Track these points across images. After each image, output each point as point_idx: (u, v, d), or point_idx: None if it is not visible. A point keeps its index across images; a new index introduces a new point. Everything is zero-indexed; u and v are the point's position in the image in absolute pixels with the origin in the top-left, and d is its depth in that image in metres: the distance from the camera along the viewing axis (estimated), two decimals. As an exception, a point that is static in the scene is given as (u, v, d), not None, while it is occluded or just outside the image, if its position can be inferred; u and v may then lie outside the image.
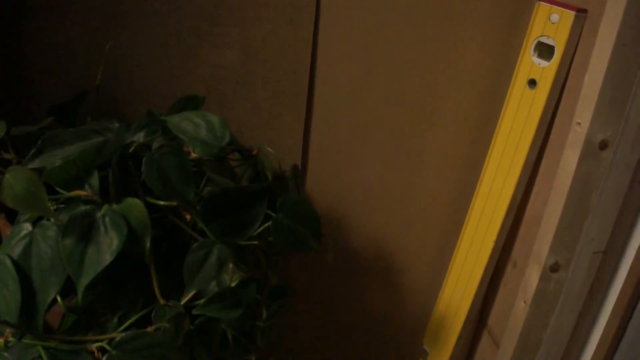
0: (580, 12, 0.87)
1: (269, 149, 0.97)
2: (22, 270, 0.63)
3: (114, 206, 0.66)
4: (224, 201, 0.73)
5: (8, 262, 0.63)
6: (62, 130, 0.68)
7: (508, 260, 1.09)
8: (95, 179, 0.67)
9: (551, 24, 0.91)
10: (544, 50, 0.94)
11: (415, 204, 1.12)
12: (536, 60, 0.94)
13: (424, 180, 1.10)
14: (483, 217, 1.06)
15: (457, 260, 1.13)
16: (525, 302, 1.01)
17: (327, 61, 0.97)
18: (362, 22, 0.95)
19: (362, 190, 1.09)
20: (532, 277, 0.98)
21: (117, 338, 0.62)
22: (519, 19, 0.97)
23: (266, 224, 0.75)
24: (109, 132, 0.71)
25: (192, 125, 0.74)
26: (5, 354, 0.61)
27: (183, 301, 0.69)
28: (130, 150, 0.73)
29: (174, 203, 0.70)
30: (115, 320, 0.69)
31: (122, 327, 0.67)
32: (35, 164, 0.64)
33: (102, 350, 0.62)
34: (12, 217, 0.79)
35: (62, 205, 0.68)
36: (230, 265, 0.71)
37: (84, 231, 0.64)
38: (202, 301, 0.68)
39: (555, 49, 0.91)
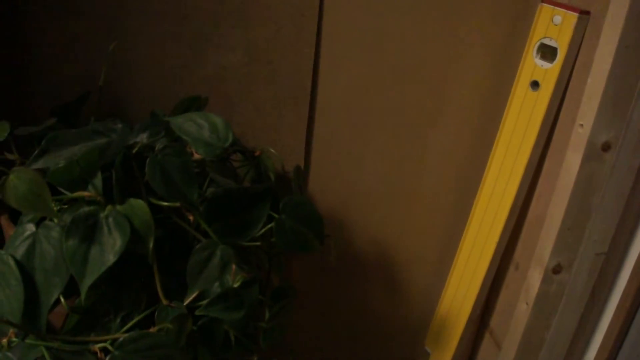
0: (583, 13, 0.87)
1: (272, 150, 0.97)
2: (26, 271, 0.63)
3: (117, 207, 0.66)
4: (226, 202, 0.73)
5: (11, 262, 0.63)
6: (66, 131, 0.68)
7: (510, 262, 1.09)
8: (98, 180, 0.67)
9: (554, 26, 0.91)
10: (547, 52, 0.94)
11: (417, 205, 1.12)
12: (539, 61, 0.94)
13: (426, 181, 1.10)
14: (485, 218, 1.06)
15: (459, 261, 1.13)
16: (527, 303, 1.01)
17: (330, 62, 0.97)
18: (365, 24, 0.95)
19: (364, 191, 1.09)
20: (534, 278, 0.98)
21: (120, 338, 0.62)
22: (521, 20, 0.97)
23: (269, 225, 0.75)
24: (112, 133, 0.71)
25: (195, 126, 0.74)
26: (9, 354, 0.61)
27: (186, 302, 0.69)
28: (134, 151, 0.73)
29: (177, 204, 0.70)
30: (118, 320, 0.69)
31: (125, 328, 0.68)
32: (39, 164, 0.64)
33: (105, 350, 0.62)
34: (15, 217, 0.79)
35: (66, 206, 0.68)
36: (233, 266, 0.71)
37: (87, 232, 0.64)
38: (205, 302, 0.68)
39: (558, 50, 0.91)
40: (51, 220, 0.65)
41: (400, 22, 0.95)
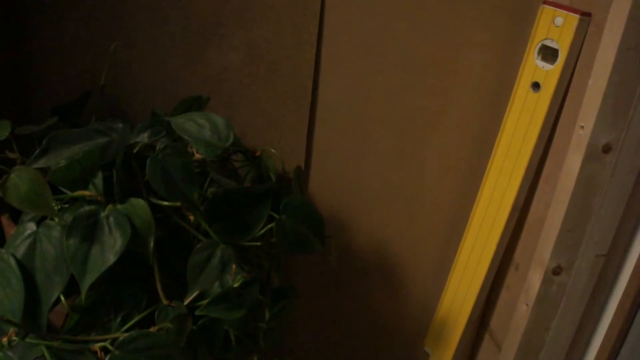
0: (585, 15, 0.87)
1: (273, 150, 0.97)
2: (26, 270, 0.64)
3: (118, 206, 0.66)
4: (227, 202, 0.73)
5: (12, 261, 0.63)
6: (67, 131, 0.68)
7: (510, 263, 1.09)
8: (99, 179, 0.67)
9: (555, 27, 0.91)
10: (548, 54, 0.94)
11: (418, 206, 1.12)
12: (540, 63, 0.94)
13: (427, 182, 1.10)
14: (486, 219, 1.06)
15: (459, 262, 1.13)
16: (527, 304, 1.01)
17: (331, 63, 0.97)
18: (366, 25, 0.95)
19: (365, 192, 1.09)
20: (535, 279, 0.98)
21: (120, 338, 0.62)
22: (523, 22, 0.97)
23: (269, 225, 0.75)
24: (113, 133, 0.71)
25: (196, 126, 0.74)
26: (9, 353, 0.61)
27: (186, 302, 0.69)
28: (135, 151, 0.73)
29: (178, 204, 0.70)
30: (119, 320, 0.69)
31: (125, 327, 0.68)
32: (40, 163, 0.64)
33: (105, 350, 0.62)
34: (16, 216, 0.79)
35: (66, 205, 0.68)
36: (234, 266, 0.71)
37: (88, 231, 0.64)
38: (205, 302, 0.68)
39: (559, 52, 0.91)
40: (52, 219, 0.65)
41: (401, 23, 0.95)
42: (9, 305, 0.62)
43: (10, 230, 0.79)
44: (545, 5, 0.93)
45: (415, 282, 1.20)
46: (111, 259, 0.63)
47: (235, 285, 0.71)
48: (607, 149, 0.88)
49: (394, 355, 1.29)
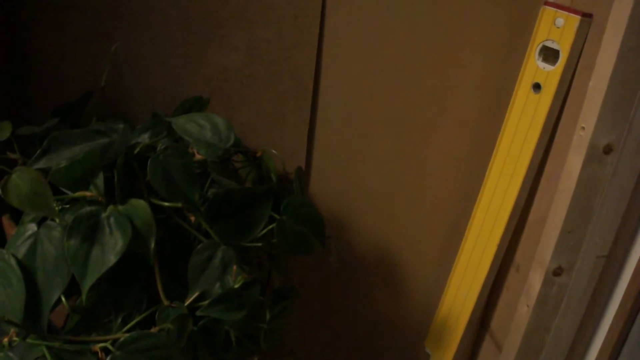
0: (586, 16, 0.87)
1: (273, 151, 0.97)
2: (27, 270, 0.64)
3: (119, 207, 0.66)
4: (228, 203, 0.73)
5: (13, 261, 0.63)
6: (68, 131, 0.68)
7: (511, 264, 1.09)
8: (100, 180, 0.67)
9: (556, 28, 0.91)
10: (549, 55, 0.94)
11: (418, 207, 1.12)
12: (541, 64, 0.94)
13: (427, 183, 1.10)
14: (486, 220, 1.06)
15: (460, 262, 1.13)
16: (528, 305, 1.01)
17: (331, 63, 0.97)
18: (367, 26, 0.95)
19: (365, 192, 1.09)
20: (535, 280, 0.98)
21: (121, 339, 0.62)
22: (524, 22, 0.97)
23: (270, 226, 0.75)
24: (114, 133, 0.71)
25: (197, 127, 0.74)
26: (10, 354, 0.61)
27: (187, 302, 0.69)
28: (136, 152, 0.73)
29: (179, 204, 0.70)
30: (119, 320, 0.69)
31: (126, 328, 0.68)
32: (41, 164, 0.65)
33: (106, 350, 0.62)
34: (17, 217, 0.79)
35: (67, 206, 0.68)
36: (234, 266, 0.71)
37: (89, 232, 0.64)
38: (205, 302, 0.68)
39: (560, 53, 0.91)
40: (53, 220, 0.65)
41: (402, 24, 0.95)
42: (10, 305, 0.62)
43: (11, 230, 0.79)
44: (546, 6, 0.93)
45: (415, 282, 1.20)
46: (112, 259, 0.63)
47: (236, 286, 0.71)
48: (608, 150, 0.88)
49: (395, 355, 1.29)
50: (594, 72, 0.86)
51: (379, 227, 1.13)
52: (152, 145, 0.75)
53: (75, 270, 0.62)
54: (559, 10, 0.90)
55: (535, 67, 0.95)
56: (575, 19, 0.87)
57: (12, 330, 0.60)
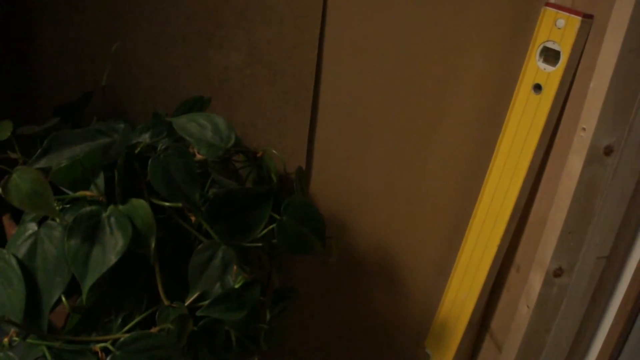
0: (587, 17, 0.87)
1: (274, 151, 0.97)
2: (27, 270, 0.64)
3: (120, 207, 0.66)
4: (228, 203, 0.73)
5: (13, 261, 0.63)
6: (69, 131, 0.68)
7: (511, 265, 1.09)
8: (101, 180, 0.67)
9: (557, 29, 0.91)
10: (550, 56, 0.94)
11: (419, 207, 1.12)
12: (542, 65, 0.94)
13: (428, 183, 1.10)
14: (487, 220, 1.06)
15: (460, 263, 1.13)
16: (528, 306, 1.01)
17: (332, 64, 0.97)
18: (368, 27, 0.95)
19: (366, 192, 1.09)
20: (536, 281, 0.98)
21: (121, 339, 0.62)
22: (524, 23, 0.97)
23: (271, 226, 0.75)
24: (115, 133, 0.71)
25: (197, 127, 0.74)
26: (10, 353, 0.61)
27: (187, 302, 0.69)
28: (136, 151, 0.73)
29: (179, 204, 0.70)
30: (119, 320, 0.69)
31: (126, 328, 0.68)
32: (42, 164, 0.64)
33: (106, 350, 0.62)
34: (17, 216, 0.79)
35: (68, 206, 0.68)
36: (235, 267, 0.71)
37: (89, 231, 0.64)
38: (206, 302, 0.68)
39: (561, 54, 0.91)
40: (53, 219, 0.65)
41: (402, 25, 0.95)
42: (10, 305, 0.62)
43: (11, 230, 0.79)
44: (547, 7, 0.93)
45: (416, 282, 1.20)
46: (112, 259, 0.63)
47: (237, 286, 0.71)
48: (608, 151, 0.88)
49: (395, 355, 1.29)
50: (595, 73, 0.86)
51: (380, 227, 1.13)
52: (153, 145, 0.75)
53: (75, 270, 0.62)
54: (560, 11, 0.90)
55: (536, 68, 0.95)
56: (576, 20, 0.87)
57: (12, 330, 0.60)
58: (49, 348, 0.61)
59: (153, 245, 0.66)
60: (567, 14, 0.89)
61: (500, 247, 1.04)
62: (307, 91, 0.98)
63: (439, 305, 1.20)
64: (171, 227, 0.73)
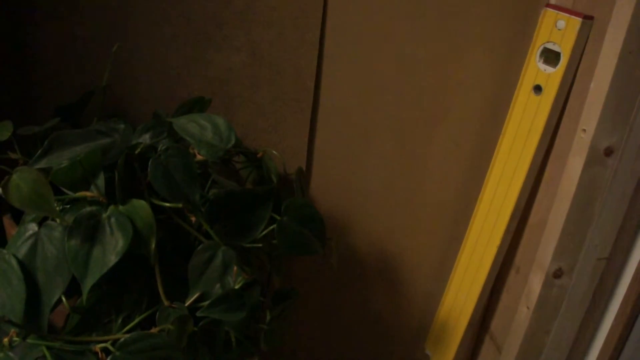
0: (587, 19, 0.87)
1: (274, 152, 0.97)
2: (27, 270, 0.63)
3: (120, 207, 0.66)
4: (229, 203, 0.73)
5: (13, 261, 0.63)
6: (69, 131, 0.68)
7: (511, 266, 1.09)
8: (101, 180, 0.67)
9: (557, 30, 0.91)
10: (550, 57, 0.94)
11: (418, 208, 1.12)
12: (542, 66, 0.94)
13: (428, 184, 1.10)
14: (487, 222, 1.06)
15: (460, 264, 1.13)
16: (528, 307, 1.00)
17: (332, 65, 0.97)
18: (368, 28, 0.95)
19: (366, 194, 1.09)
20: (535, 282, 0.98)
21: (121, 339, 0.62)
22: (525, 24, 0.97)
23: (271, 227, 0.75)
24: (115, 134, 0.71)
25: (198, 128, 0.74)
26: (10, 354, 0.61)
27: (187, 303, 0.69)
28: (137, 152, 0.73)
29: (180, 205, 0.70)
30: (120, 321, 0.69)
31: (126, 328, 0.68)
32: (42, 164, 0.64)
33: (106, 351, 0.62)
34: (17, 216, 0.79)
35: (68, 206, 0.68)
36: (235, 267, 0.71)
37: (90, 232, 0.64)
38: (206, 303, 0.68)
39: (562, 55, 0.91)
40: (53, 220, 0.65)
41: (403, 26, 0.95)
42: (10, 305, 0.62)
43: (11, 230, 0.79)
44: (548, 9, 0.93)
45: (416, 284, 1.20)
46: (113, 260, 0.63)
47: (237, 286, 0.71)
48: (608, 152, 0.88)
49: (395, 356, 1.29)
50: (595, 75, 0.86)
51: (380, 228, 1.13)
52: (153, 145, 0.75)
53: (75, 271, 0.62)
54: (560, 13, 0.90)
55: (536, 69, 0.95)
56: (577, 21, 0.87)
57: (13, 330, 0.60)
58: (49, 348, 0.61)
59: (153, 245, 0.66)
60: (568, 15, 0.89)
61: (500, 248, 1.04)
62: (307, 92, 0.98)
63: (439, 307, 1.20)
64: (171, 227, 0.73)
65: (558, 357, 1.05)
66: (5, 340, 0.59)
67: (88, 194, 0.67)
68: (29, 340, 0.61)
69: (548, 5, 0.94)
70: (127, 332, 0.67)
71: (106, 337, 0.64)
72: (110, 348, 0.61)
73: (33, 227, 0.65)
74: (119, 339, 0.62)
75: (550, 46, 0.93)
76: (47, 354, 0.60)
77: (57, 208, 0.66)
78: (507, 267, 1.10)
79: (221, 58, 0.94)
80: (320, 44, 0.95)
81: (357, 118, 1.02)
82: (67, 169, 0.66)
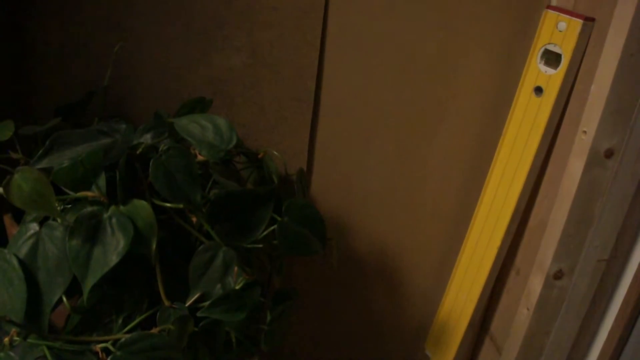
0: (588, 20, 0.87)
1: (275, 152, 0.97)
2: (28, 270, 0.63)
3: (121, 207, 0.66)
4: (230, 204, 0.73)
5: (14, 261, 0.63)
6: (70, 131, 0.68)
7: (511, 267, 1.09)
8: (102, 180, 0.67)
9: (558, 32, 0.91)
10: (551, 58, 0.94)
11: (419, 210, 1.12)
12: (543, 68, 0.94)
13: (428, 185, 1.10)
14: (487, 223, 1.06)
15: (460, 265, 1.13)
16: (528, 309, 1.01)
17: (333, 66, 0.97)
18: (369, 29, 0.95)
19: (366, 194, 1.09)
20: (536, 284, 0.98)
21: (122, 339, 0.62)
22: (526, 26, 0.97)
23: (271, 227, 0.75)
24: (116, 134, 0.71)
25: (199, 128, 0.74)
26: (10, 353, 0.61)
27: (188, 303, 0.69)
28: (138, 152, 0.73)
29: (181, 205, 0.70)
30: (120, 321, 0.69)
31: (126, 328, 0.68)
32: (43, 164, 0.64)
33: (107, 351, 0.62)
34: (18, 216, 0.79)
35: (69, 206, 0.68)
36: (235, 268, 0.71)
37: (91, 232, 0.64)
38: (206, 303, 0.68)
39: (562, 57, 0.91)
40: (54, 220, 0.65)
41: (404, 27, 0.95)
42: (11, 305, 0.62)
43: (12, 230, 0.79)
44: (549, 10, 0.93)
45: (416, 284, 1.20)
46: (113, 260, 0.63)
47: (237, 287, 0.71)
48: (609, 154, 0.88)
49: (395, 357, 1.29)
50: (596, 76, 0.86)
51: (380, 229, 1.13)
52: (155, 145, 0.75)
53: (76, 270, 0.62)
54: (561, 14, 0.90)
55: (537, 71, 0.95)
56: (578, 22, 0.88)
57: (13, 330, 0.60)
58: (50, 348, 0.61)
59: (154, 246, 0.66)
60: (569, 17, 0.89)
61: (500, 249, 1.04)
62: (308, 92, 0.98)
63: (439, 307, 1.20)
64: (172, 228, 0.73)
65: (558, 359, 1.05)
66: (6, 339, 0.59)
67: (89, 193, 0.67)
68: (29, 340, 0.61)
69: (549, 6, 0.94)
70: (128, 332, 0.67)
71: (107, 337, 0.64)
72: (111, 348, 0.61)
73: (34, 227, 0.65)
74: (119, 339, 0.62)
75: (551, 48, 0.93)
76: (48, 354, 0.61)
77: (58, 208, 0.66)
78: (508, 268, 1.10)
79: (222, 58, 0.95)
80: (321, 45, 0.95)
81: (358, 119, 1.02)
82: (68, 168, 0.66)
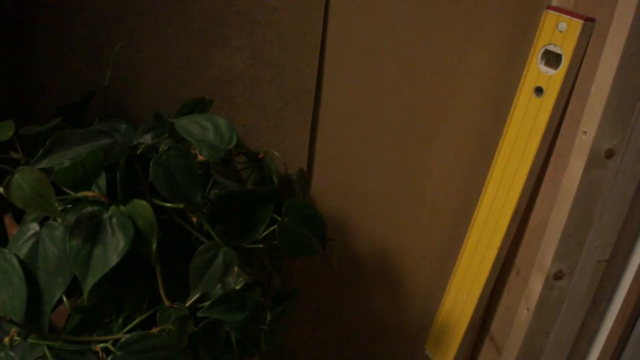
0: (589, 21, 0.87)
1: (275, 153, 0.97)
2: (29, 270, 0.63)
3: (121, 207, 0.66)
4: (230, 204, 0.73)
5: (15, 261, 0.63)
6: (71, 131, 0.68)
7: (511, 267, 1.09)
8: (102, 180, 0.67)
9: (559, 33, 0.91)
10: (551, 59, 0.94)
11: (419, 210, 1.12)
12: (543, 68, 0.94)
13: (428, 186, 1.10)
14: (487, 223, 1.06)
15: (460, 266, 1.13)
16: (528, 309, 1.01)
17: (334, 66, 0.97)
18: (370, 29, 0.95)
19: (367, 195, 1.09)
20: (536, 284, 0.98)
21: (122, 339, 0.62)
22: (526, 26, 0.97)
23: (271, 228, 0.75)
24: (116, 134, 0.71)
25: (199, 128, 0.74)
26: (11, 353, 0.61)
27: (188, 303, 0.69)
28: (138, 152, 0.73)
29: (181, 205, 0.70)
30: (120, 321, 0.69)
31: (127, 328, 0.68)
32: (44, 164, 0.64)
33: (107, 351, 0.62)
34: (18, 216, 0.79)
35: (69, 206, 0.68)
36: (236, 268, 0.71)
37: (91, 232, 0.64)
38: (207, 303, 0.68)
39: (563, 57, 0.91)
40: (55, 220, 0.65)
41: (405, 27, 0.95)
42: (11, 305, 0.62)
43: (12, 230, 0.79)
44: (549, 11, 0.93)
45: (416, 285, 1.20)
46: (114, 260, 0.63)
47: (237, 287, 0.71)
48: (609, 154, 0.88)
49: (395, 357, 1.29)
50: (596, 77, 0.86)
51: (380, 229, 1.13)
52: (155, 146, 0.75)
53: (77, 271, 0.62)
54: (561, 15, 0.90)
55: (537, 71, 0.95)
56: (578, 23, 0.88)
57: (13, 329, 0.60)
58: (50, 348, 0.61)
59: (154, 246, 0.66)
60: (569, 17, 0.89)
61: (500, 249, 1.04)
62: (309, 93, 0.98)
63: (439, 307, 1.20)
64: (173, 228, 0.73)
65: (558, 359, 1.05)
66: (6, 339, 0.59)
67: (89, 194, 0.67)
68: (30, 340, 0.61)
69: (549, 7, 0.94)
70: (128, 332, 0.67)
71: (107, 337, 0.64)
72: (111, 348, 0.61)
73: (34, 227, 0.65)
74: (119, 339, 0.62)
75: (551, 48, 0.93)
76: (48, 354, 0.61)
77: (59, 208, 0.66)
78: (508, 268, 1.10)
79: (222, 58, 0.95)
80: (321, 45, 0.95)
81: (358, 119, 1.02)
82: (68, 168, 0.66)
